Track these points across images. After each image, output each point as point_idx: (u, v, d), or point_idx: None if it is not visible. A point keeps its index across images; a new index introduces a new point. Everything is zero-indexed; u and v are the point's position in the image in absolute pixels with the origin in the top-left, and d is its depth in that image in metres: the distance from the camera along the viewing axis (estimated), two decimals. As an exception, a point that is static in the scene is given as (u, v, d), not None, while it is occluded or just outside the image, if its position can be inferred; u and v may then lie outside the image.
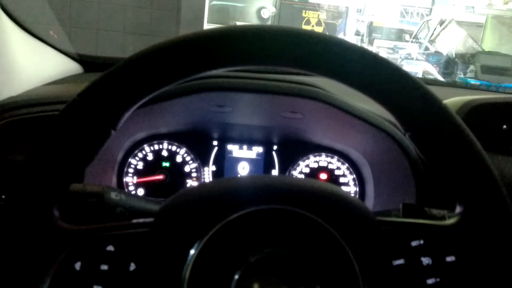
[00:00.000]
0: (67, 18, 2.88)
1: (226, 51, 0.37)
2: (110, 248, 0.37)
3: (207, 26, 4.35)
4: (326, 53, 0.37)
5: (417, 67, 5.58)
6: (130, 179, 0.85)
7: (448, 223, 0.40)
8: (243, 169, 0.89)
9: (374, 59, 0.38)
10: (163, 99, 0.69)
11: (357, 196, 0.88)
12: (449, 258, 0.38)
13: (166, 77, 0.37)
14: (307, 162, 0.89)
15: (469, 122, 0.40)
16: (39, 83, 0.81)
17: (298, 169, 0.89)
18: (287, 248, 0.37)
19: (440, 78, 5.22)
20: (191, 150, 0.87)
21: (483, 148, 0.39)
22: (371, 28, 7.61)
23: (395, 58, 6.07)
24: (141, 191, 0.86)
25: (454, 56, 5.86)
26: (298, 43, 0.37)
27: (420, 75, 5.16)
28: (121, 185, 0.85)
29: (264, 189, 0.39)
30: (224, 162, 0.88)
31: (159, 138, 0.86)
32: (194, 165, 0.87)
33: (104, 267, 0.36)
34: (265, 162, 0.89)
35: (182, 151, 0.87)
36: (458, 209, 0.40)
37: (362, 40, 7.46)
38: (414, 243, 0.39)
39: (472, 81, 4.90)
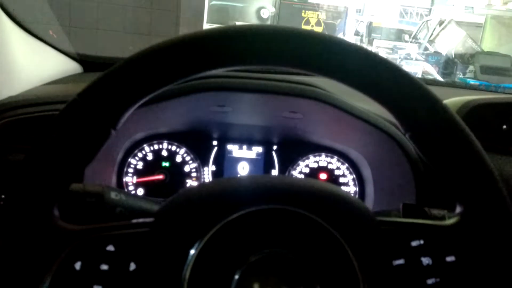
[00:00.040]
0: (66, 18, 2.87)
1: (226, 51, 0.37)
2: (110, 248, 0.36)
3: (206, 26, 4.35)
4: (326, 53, 0.37)
5: (417, 67, 5.59)
6: (130, 179, 0.85)
7: (448, 223, 0.40)
8: (243, 169, 0.89)
9: (374, 59, 0.38)
10: (163, 99, 0.69)
11: (357, 196, 0.88)
12: (449, 258, 0.38)
13: (166, 77, 0.37)
14: (307, 162, 0.89)
15: (469, 122, 0.40)
16: (38, 82, 0.81)
17: (298, 169, 0.89)
18: (287, 248, 0.37)
19: (440, 78, 5.23)
20: (191, 150, 0.87)
21: (483, 148, 0.39)
22: (371, 28, 7.62)
23: (395, 58, 6.09)
24: (141, 191, 0.86)
25: (453, 56, 5.87)
26: (298, 43, 0.37)
27: (419, 75, 5.17)
28: (121, 185, 0.85)
29: (264, 189, 0.39)
30: (224, 162, 0.88)
31: (159, 138, 0.86)
32: (194, 165, 0.87)
33: (104, 267, 0.36)
34: (265, 162, 0.89)
35: (182, 151, 0.87)
36: (458, 209, 0.40)
37: (361, 40, 7.47)
38: (414, 243, 0.39)
39: (472, 81, 4.91)
